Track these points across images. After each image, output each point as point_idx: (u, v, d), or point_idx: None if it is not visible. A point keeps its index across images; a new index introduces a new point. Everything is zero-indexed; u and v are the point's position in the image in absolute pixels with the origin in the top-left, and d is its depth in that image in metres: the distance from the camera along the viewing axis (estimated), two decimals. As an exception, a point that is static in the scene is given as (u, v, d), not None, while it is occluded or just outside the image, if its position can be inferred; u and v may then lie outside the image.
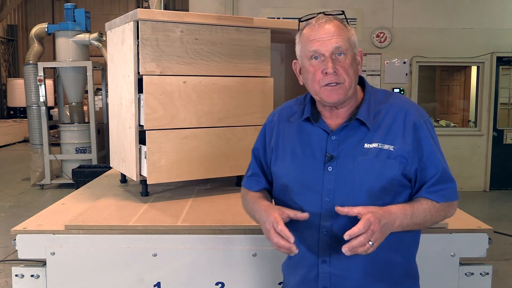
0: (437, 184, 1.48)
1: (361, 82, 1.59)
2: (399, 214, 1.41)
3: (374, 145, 1.46)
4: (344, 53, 1.46)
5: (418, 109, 1.53)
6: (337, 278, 1.50)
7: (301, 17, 1.58)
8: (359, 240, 1.30)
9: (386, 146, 1.45)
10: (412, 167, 1.47)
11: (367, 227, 1.31)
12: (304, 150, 1.54)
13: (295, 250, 1.38)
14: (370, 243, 1.31)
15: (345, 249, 1.31)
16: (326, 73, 1.44)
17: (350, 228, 1.32)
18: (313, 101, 1.58)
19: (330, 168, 1.48)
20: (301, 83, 1.59)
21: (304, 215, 1.44)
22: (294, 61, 1.61)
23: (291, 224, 1.45)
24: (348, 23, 1.53)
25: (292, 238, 1.37)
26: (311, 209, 1.48)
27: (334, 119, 1.53)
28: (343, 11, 1.53)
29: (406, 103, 1.53)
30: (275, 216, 1.42)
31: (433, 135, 1.51)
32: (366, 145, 1.46)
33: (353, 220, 1.36)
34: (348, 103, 1.52)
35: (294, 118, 1.62)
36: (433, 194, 1.48)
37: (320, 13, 1.52)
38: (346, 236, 1.30)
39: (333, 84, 1.45)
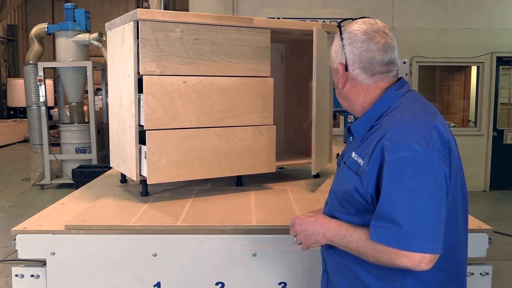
0: (376, 218, 1.31)
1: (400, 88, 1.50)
2: (332, 229, 1.45)
3: (354, 155, 1.46)
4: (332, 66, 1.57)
5: (404, 131, 1.32)
6: (328, 263, 1.60)
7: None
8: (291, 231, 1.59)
9: (359, 160, 1.42)
10: (367, 190, 1.36)
11: (291, 224, 1.58)
12: None
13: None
14: (295, 239, 1.57)
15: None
16: None
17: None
18: None
19: (339, 166, 1.61)
20: None
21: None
22: None
23: None
24: (340, 31, 1.52)
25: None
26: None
27: None
28: (343, 22, 1.58)
29: (397, 122, 1.36)
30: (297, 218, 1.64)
31: (401, 164, 1.27)
32: (353, 154, 1.48)
33: (331, 215, 1.55)
34: (359, 112, 1.56)
35: None
36: (371, 227, 1.32)
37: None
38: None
39: None
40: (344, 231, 1.41)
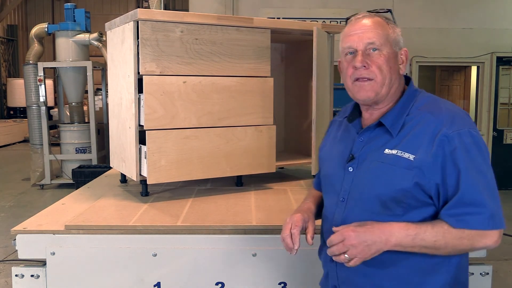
0: (457, 207, 1.32)
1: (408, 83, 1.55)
2: (396, 232, 1.34)
3: (394, 151, 1.39)
4: (378, 48, 1.43)
5: (457, 119, 1.38)
6: (343, 280, 1.52)
7: (349, 16, 1.56)
8: (331, 250, 1.37)
9: (406, 155, 1.37)
10: (431, 181, 1.34)
11: (338, 240, 1.36)
12: (338, 148, 1.58)
13: (292, 253, 1.52)
14: (346, 256, 1.35)
15: (328, 252, 1.39)
16: (355, 67, 1.43)
17: None
18: None
19: (350, 169, 1.48)
20: (342, 81, 1.59)
21: (308, 241, 1.51)
22: (338, 60, 1.59)
23: (323, 216, 1.63)
24: (394, 22, 1.49)
25: (296, 246, 1.50)
26: (330, 206, 1.56)
27: (370, 120, 1.52)
28: (389, 10, 1.51)
29: (445, 113, 1.40)
30: (298, 218, 1.54)
31: (469, 149, 1.33)
32: (386, 151, 1.41)
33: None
34: (386, 103, 1.48)
35: (339, 116, 1.68)
36: (450, 217, 1.33)
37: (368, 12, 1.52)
38: (327, 242, 1.40)
39: (363, 80, 1.44)
40: (414, 230, 1.33)
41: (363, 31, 1.44)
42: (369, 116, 1.52)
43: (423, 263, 1.40)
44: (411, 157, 1.36)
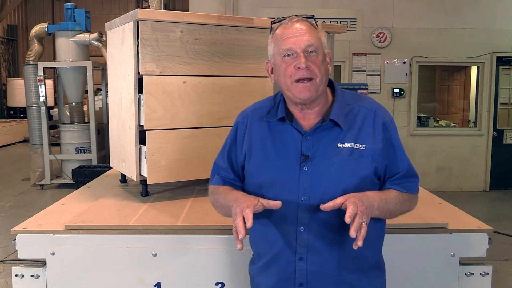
0: (401, 178, 1.57)
1: (330, 85, 1.64)
2: (375, 197, 1.49)
3: (347, 144, 1.52)
4: (315, 51, 1.51)
5: (384, 109, 1.62)
6: (313, 274, 1.54)
7: (274, 19, 1.62)
8: (357, 221, 1.34)
9: (358, 146, 1.52)
10: (383, 164, 1.55)
11: (356, 208, 1.37)
12: (277, 150, 1.57)
13: (239, 234, 1.39)
14: (364, 223, 1.37)
15: (353, 233, 1.33)
16: (299, 68, 1.48)
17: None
18: (285, 101, 1.61)
19: (305, 168, 1.52)
20: (272, 82, 1.62)
21: (276, 203, 1.44)
22: (266, 61, 1.63)
23: (268, 223, 1.58)
24: (317, 26, 1.58)
25: (249, 224, 1.38)
26: (288, 208, 1.52)
27: (306, 120, 1.57)
28: (313, 16, 1.60)
29: (374, 104, 1.61)
30: (248, 204, 1.42)
31: (397, 133, 1.61)
32: (339, 145, 1.52)
33: (331, 217, 1.49)
34: (319, 103, 1.56)
35: (267, 118, 1.62)
36: (398, 185, 1.57)
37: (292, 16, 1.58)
38: (347, 219, 1.33)
39: (305, 81, 1.49)
40: (383, 195, 1.52)
41: (301, 34, 1.50)
42: (304, 116, 1.57)
43: (380, 238, 1.65)
44: (363, 147, 1.52)
